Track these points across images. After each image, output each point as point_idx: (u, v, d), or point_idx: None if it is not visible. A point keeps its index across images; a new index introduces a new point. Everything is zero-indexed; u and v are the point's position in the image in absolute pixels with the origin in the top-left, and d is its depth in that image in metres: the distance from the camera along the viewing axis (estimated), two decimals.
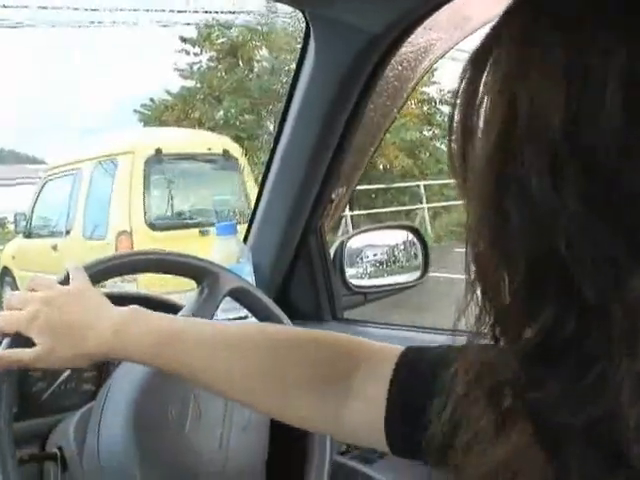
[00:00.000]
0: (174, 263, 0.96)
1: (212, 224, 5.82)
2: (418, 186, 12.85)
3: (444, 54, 1.17)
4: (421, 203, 12.77)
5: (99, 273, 0.85)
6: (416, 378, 0.57)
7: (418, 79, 1.19)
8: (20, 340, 0.75)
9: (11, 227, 9.93)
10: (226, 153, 6.72)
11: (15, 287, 7.09)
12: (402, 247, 1.37)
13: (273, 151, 1.23)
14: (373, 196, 12.53)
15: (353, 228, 8.62)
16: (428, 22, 1.00)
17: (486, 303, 0.40)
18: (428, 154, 13.77)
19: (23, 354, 0.73)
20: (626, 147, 0.34)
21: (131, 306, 0.74)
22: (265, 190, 1.26)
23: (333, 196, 1.27)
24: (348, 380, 0.64)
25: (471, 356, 0.41)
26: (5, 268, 7.62)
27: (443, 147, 13.89)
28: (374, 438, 0.61)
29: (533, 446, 0.37)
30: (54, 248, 6.54)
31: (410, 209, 12.85)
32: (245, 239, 1.33)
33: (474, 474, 0.39)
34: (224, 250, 1.20)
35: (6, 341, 0.76)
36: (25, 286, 0.80)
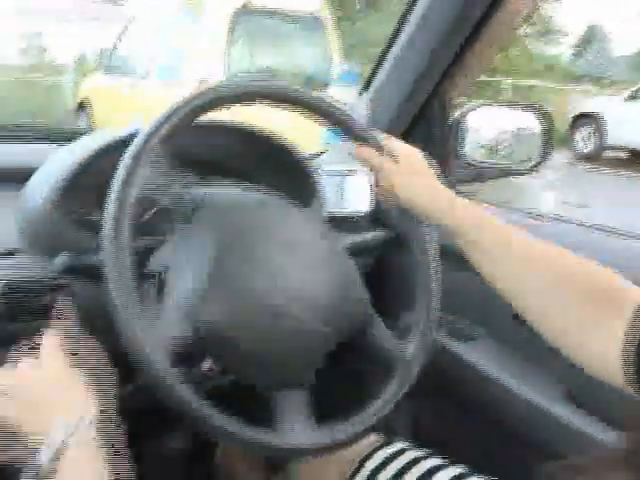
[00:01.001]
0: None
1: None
2: (503, 83, 12.34)
3: None
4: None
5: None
6: None
7: None
8: None
9: (91, 63, 9.95)
10: (316, 13, 6.49)
11: (90, 121, 7.17)
12: (524, 128, 1.27)
13: (407, 11, 1.16)
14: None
15: None
16: None
17: None
18: (518, 52, 13.11)
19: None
20: None
21: None
22: (395, 48, 1.21)
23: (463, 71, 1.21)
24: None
25: None
26: (83, 102, 7.67)
27: (534, 48, 13.22)
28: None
29: None
30: (131, 88, 6.54)
31: None
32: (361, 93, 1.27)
33: None
34: (344, 99, 1.15)
35: None
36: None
